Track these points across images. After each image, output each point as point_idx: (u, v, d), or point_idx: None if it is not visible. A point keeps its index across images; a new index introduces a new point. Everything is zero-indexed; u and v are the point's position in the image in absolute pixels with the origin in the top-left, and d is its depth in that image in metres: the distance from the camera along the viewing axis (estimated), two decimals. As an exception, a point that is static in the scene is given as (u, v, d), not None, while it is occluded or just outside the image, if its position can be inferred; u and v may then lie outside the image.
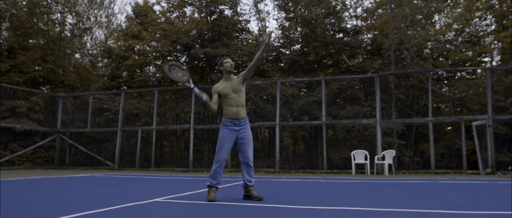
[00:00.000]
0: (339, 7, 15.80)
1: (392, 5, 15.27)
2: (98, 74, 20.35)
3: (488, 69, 11.11)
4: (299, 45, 16.37)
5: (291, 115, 13.75)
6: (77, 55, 22.22)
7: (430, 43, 16.07)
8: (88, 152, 14.56)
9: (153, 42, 16.50)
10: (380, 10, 17.59)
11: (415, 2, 15.13)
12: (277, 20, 17.66)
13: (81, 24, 20.61)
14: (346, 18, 16.14)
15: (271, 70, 15.08)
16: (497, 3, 17.51)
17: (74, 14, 20.11)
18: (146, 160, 15.04)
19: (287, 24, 17.05)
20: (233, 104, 4.32)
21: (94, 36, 22.83)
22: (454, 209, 3.46)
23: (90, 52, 22.85)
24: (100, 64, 22.33)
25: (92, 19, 22.01)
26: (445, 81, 15.90)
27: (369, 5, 18.00)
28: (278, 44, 16.43)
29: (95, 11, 22.64)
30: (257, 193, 4.43)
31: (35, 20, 17.70)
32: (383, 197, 4.64)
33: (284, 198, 4.56)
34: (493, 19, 17.84)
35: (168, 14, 18.20)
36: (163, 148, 17.89)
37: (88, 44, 22.85)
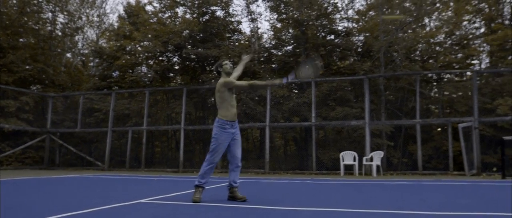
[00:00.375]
0: (330, 9, 15.92)
1: (384, 8, 15.44)
2: (89, 74, 20.26)
3: (475, 72, 11.31)
4: (290, 47, 16.46)
5: (282, 116, 13.82)
6: (68, 55, 22.10)
7: (420, 45, 16.28)
8: (78, 152, 14.50)
9: (144, 42, 16.49)
10: (371, 12, 17.77)
11: (406, 5, 15.32)
12: (269, 21, 17.80)
13: (72, 24, 20.50)
14: (338, 20, 16.28)
15: (262, 71, 15.15)
16: (486, 6, 17.77)
17: (65, 13, 20.00)
18: (136, 161, 15.02)
19: (279, 25, 17.13)
20: (234, 106, 4.42)
21: (86, 35, 22.72)
22: (431, 210, 3.55)
23: (81, 52, 22.74)
24: (92, 64, 22.23)
25: (83, 19, 21.90)
26: (434, 84, 16.10)
27: (361, 7, 18.18)
28: (270, 45, 16.51)
29: (87, 10, 22.52)
30: (242, 194, 4.49)
31: (25, 19, 17.57)
32: (366, 198, 4.73)
33: (269, 199, 4.62)
34: (483, 22, 18.09)
35: (160, 15, 18.18)
36: (155, 148, 17.87)
37: (79, 43, 22.74)
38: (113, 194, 5.19)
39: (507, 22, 17.14)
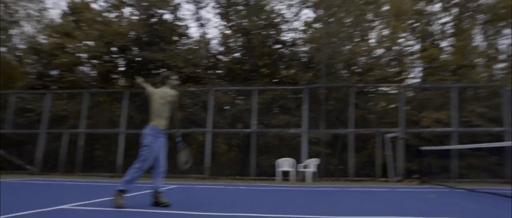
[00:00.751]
0: (277, 20, 16.45)
1: (330, 19, 16.22)
2: (24, 72, 19.06)
3: (403, 86, 12.30)
4: (237, 54, 16.74)
5: (225, 122, 14.00)
6: (3, 49, 20.61)
7: (360, 58, 17.30)
8: (6, 155, 13.59)
9: (86, 42, 15.90)
10: (317, 25, 18.58)
11: (347, 20, 16.26)
12: (217, 27, 17.99)
13: (8, 16, 19.19)
14: (284, 30, 16.83)
15: (207, 77, 15.25)
16: (419, 26, 19.34)
17: (1, 5, 18.69)
18: (73, 165, 14.38)
19: (227, 31, 17.34)
20: (168, 116, 4.59)
21: (23, 30, 21.35)
22: (338, 214, 3.91)
23: (16, 47, 21.32)
24: (29, 60, 20.93)
25: (21, 12, 20.58)
26: (371, 95, 17.17)
27: (308, 19, 18.92)
28: (216, 52, 16.69)
29: (26, 4, 21.20)
30: (167, 199, 4.60)
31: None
32: (286, 203, 5.04)
33: (196, 205, 4.77)
34: (416, 40, 19.65)
35: (105, 14, 17.62)
36: (95, 152, 17.17)
37: (15, 38, 21.31)
38: (36, 199, 5.05)
39: (436, 42, 18.79)
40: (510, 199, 5.85)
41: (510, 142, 9.13)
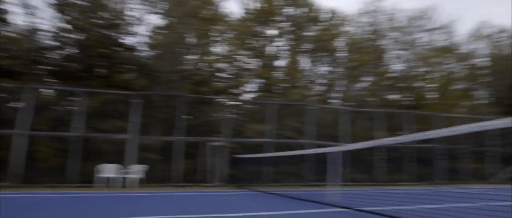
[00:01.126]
0: (119, 21, 15.95)
1: (172, 29, 16.59)
2: None
3: (233, 99, 13.63)
4: (71, 50, 15.49)
5: (48, 125, 12.74)
6: None
7: (201, 70, 18.22)
8: None
9: None
10: (160, 32, 18.72)
11: (188, 33, 17.00)
12: (49, 19, 16.21)
13: None
14: (124, 33, 16.42)
15: (31, 73, 13.64)
16: (257, 45, 21.60)
17: None
18: None
19: (61, 25, 15.85)
20: None
21: None
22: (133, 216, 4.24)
23: None
24: None
25: None
26: (206, 106, 18.22)
27: (151, 26, 18.88)
28: (45, 45, 15.09)
29: None
30: None
31: None
32: (87, 211, 5.11)
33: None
34: (254, 59, 21.86)
35: None
36: None
37: None
38: None
39: (270, 62, 21.28)
40: (290, 199, 7.27)
41: (307, 151, 11.20)
